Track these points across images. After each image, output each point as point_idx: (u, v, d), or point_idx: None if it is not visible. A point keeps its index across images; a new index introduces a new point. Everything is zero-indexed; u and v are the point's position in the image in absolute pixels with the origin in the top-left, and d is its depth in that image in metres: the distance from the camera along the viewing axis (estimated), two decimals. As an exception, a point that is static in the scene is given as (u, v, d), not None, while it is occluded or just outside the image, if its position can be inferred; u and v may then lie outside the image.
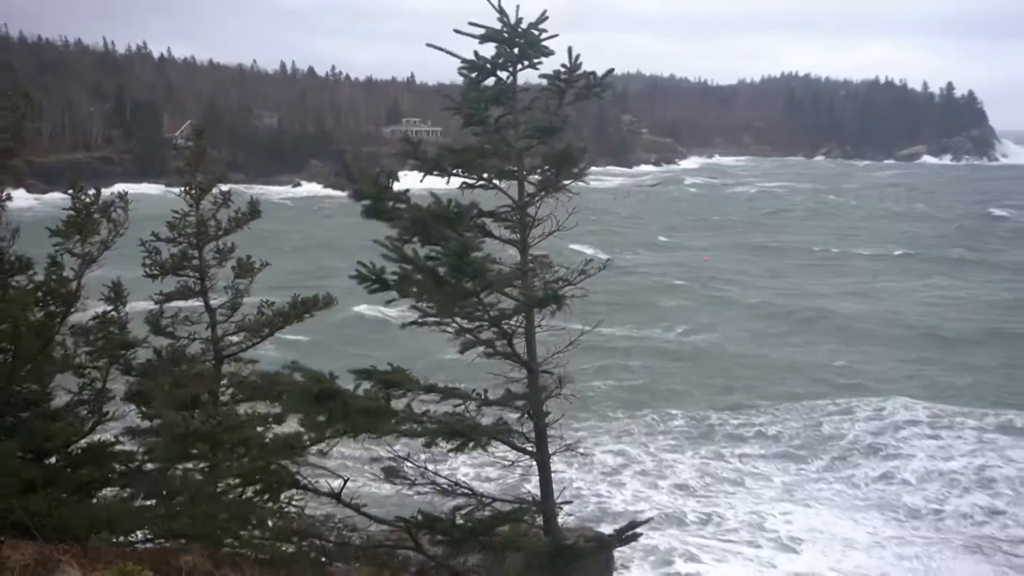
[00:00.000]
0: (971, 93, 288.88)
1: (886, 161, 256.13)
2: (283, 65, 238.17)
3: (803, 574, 27.65)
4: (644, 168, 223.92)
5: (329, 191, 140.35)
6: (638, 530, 10.11)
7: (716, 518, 31.29)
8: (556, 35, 8.70)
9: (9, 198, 13.10)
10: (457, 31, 8.50)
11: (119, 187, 15.73)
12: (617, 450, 37.09)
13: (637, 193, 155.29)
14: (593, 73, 8.86)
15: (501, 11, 8.45)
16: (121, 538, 10.93)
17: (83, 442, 12.83)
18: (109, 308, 13.59)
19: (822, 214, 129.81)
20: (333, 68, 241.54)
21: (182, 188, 15.56)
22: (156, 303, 15.29)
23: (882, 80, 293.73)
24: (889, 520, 31.78)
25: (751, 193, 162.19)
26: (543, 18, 8.61)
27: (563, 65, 8.74)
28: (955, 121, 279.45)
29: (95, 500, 12.20)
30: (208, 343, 15.46)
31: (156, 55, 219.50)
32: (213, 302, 15.61)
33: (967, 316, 61.36)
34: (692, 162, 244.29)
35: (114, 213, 13.14)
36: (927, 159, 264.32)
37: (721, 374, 47.26)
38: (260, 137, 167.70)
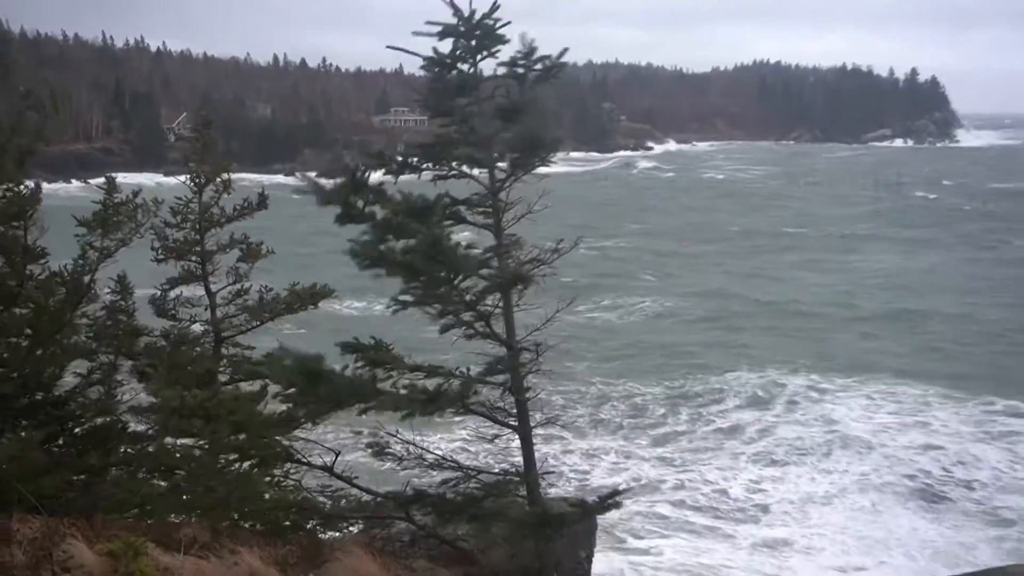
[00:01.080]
0: (934, 78, 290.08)
1: (854, 145, 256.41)
2: (275, 58, 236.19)
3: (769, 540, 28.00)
4: (623, 154, 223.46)
5: (322, 180, 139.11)
6: (619, 498, 10.20)
7: (687, 485, 31.70)
8: (509, 22, 8.64)
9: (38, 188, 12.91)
10: (416, 33, 8.49)
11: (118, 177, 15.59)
12: (594, 421, 37.55)
13: (610, 177, 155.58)
14: (549, 56, 8.82)
15: (453, 6, 8.42)
16: (125, 514, 11.00)
17: (90, 424, 12.86)
18: (117, 299, 13.60)
19: (780, 196, 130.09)
20: (324, 60, 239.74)
21: (187, 176, 15.50)
22: (160, 289, 15.31)
23: (849, 67, 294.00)
24: (841, 470, 32.75)
25: (707, 178, 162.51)
26: (495, 7, 8.57)
27: (518, 52, 8.70)
28: (919, 105, 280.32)
29: (100, 479, 12.21)
30: (208, 325, 15.47)
31: (153, 49, 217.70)
32: (213, 287, 15.59)
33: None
34: (669, 146, 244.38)
35: (140, 215, 13.12)
36: (894, 142, 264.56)
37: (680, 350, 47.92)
38: (254, 127, 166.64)
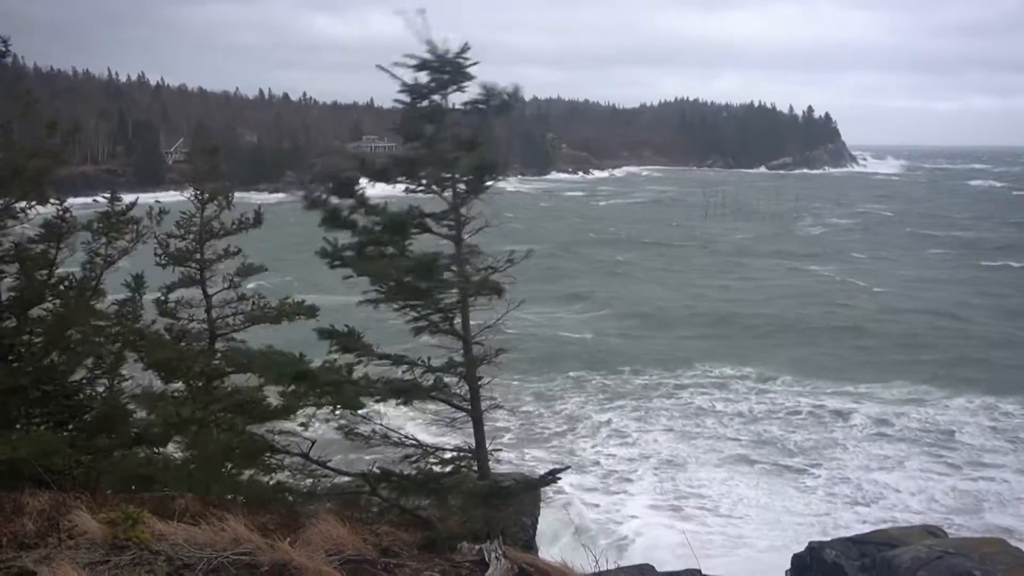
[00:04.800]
0: (827, 115, 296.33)
1: (759, 170, 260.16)
2: (261, 92, 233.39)
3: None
4: (563, 176, 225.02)
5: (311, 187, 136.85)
6: (558, 475, 10.29)
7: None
8: (477, 62, 8.73)
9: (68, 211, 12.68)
10: (396, 64, 8.53)
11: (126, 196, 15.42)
12: (536, 406, 37.85)
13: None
14: (507, 90, 8.91)
15: (431, 44, 8.46)
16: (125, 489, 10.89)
17: (98, 411, 12.71)
18: (128, 296, 13.43)
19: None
20: (304, 94, 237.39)
21: (192, 193, 15.40)
22: (162, 291, 15.19)
23: (756, 104, 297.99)
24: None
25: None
26: (465, 48, 8.65)
27: (480, 92, 8.80)
28: (815, 137, 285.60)
29: (106, 458, 12.05)
30: (205, 324, 15.40)
31: (153, 83, 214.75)
32: (210, 290, 15.52)
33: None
34: (602, 173, 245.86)
35: (142, 225, 13.02)
36: (793, 171, 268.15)
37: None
38: (242, 152, 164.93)
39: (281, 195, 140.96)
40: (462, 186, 9.11)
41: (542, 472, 10.41)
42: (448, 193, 9.14)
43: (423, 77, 8.78)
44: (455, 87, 8.82)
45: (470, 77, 8.79)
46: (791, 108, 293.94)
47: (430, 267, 8.65)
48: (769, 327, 52.46)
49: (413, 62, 8.58)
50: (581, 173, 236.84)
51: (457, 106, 9.15)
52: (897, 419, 36.44)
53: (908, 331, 51.55)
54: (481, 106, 8.88)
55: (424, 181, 9.02)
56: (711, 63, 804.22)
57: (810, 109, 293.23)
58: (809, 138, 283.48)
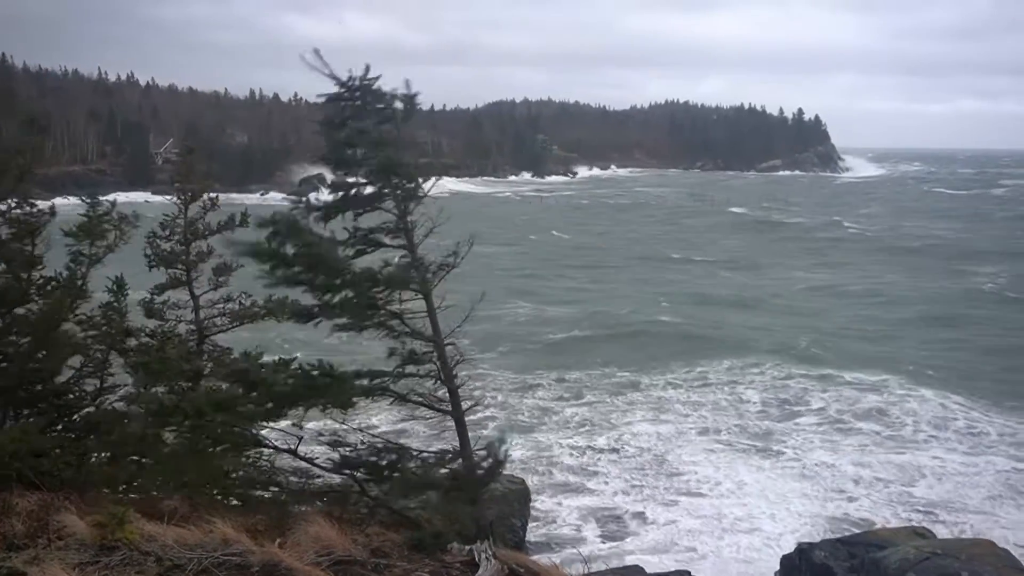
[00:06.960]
0: (817, 117, 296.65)
1: (749, 173, 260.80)
2: (252, 92, 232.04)
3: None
4: (554, 178, 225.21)
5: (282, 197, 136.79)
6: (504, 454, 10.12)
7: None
8: (379, 75, 8.85)
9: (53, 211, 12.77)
10: (315, 104, 8.78)
11: (111, 196, 15.40)
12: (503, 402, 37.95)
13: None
14: (401, 96, 9.03)
15: (334, 77, 8.63)
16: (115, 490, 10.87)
17: (86, 411, 12.71)
18: (111, 299, 13.43)
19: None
20: (295, 95, 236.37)
21: (174, 194, 15.41)
22: (150, 293, 15.16)
23: (746, 107, 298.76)
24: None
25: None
26: (367, 69, 8.78)
27: (382, 104, 8.95)
28: (805, 140, 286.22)
29: (94, 460, 12.03)
30: (192, 325, 15.39)
31: (143, 83, 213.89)
32: (197, 291, 15.50)
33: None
34: (593, 173, 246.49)
35: (124, 224, 13.05)
36: (782, 172, 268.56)
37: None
38: (233, 152, 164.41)
39: (273, 195, 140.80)
40: (400, 193, 9.19)
41: (524, 473, 10.46)
42: (392, 204, 9.23)
43: (339, 106, 8.94)
44: (370, 108, 8.95)
45: (381, 94, 8.92)
46: (781, 111, 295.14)
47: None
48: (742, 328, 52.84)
49: (325, 98, 8.79)
50: (571, 175, 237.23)
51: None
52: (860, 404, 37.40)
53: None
54: (387, 113, 9.00)
55: (364, 202, 9.12)
56: (697, 64, 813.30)
57: (800, 112, 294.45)
58: (799, 141, 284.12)
